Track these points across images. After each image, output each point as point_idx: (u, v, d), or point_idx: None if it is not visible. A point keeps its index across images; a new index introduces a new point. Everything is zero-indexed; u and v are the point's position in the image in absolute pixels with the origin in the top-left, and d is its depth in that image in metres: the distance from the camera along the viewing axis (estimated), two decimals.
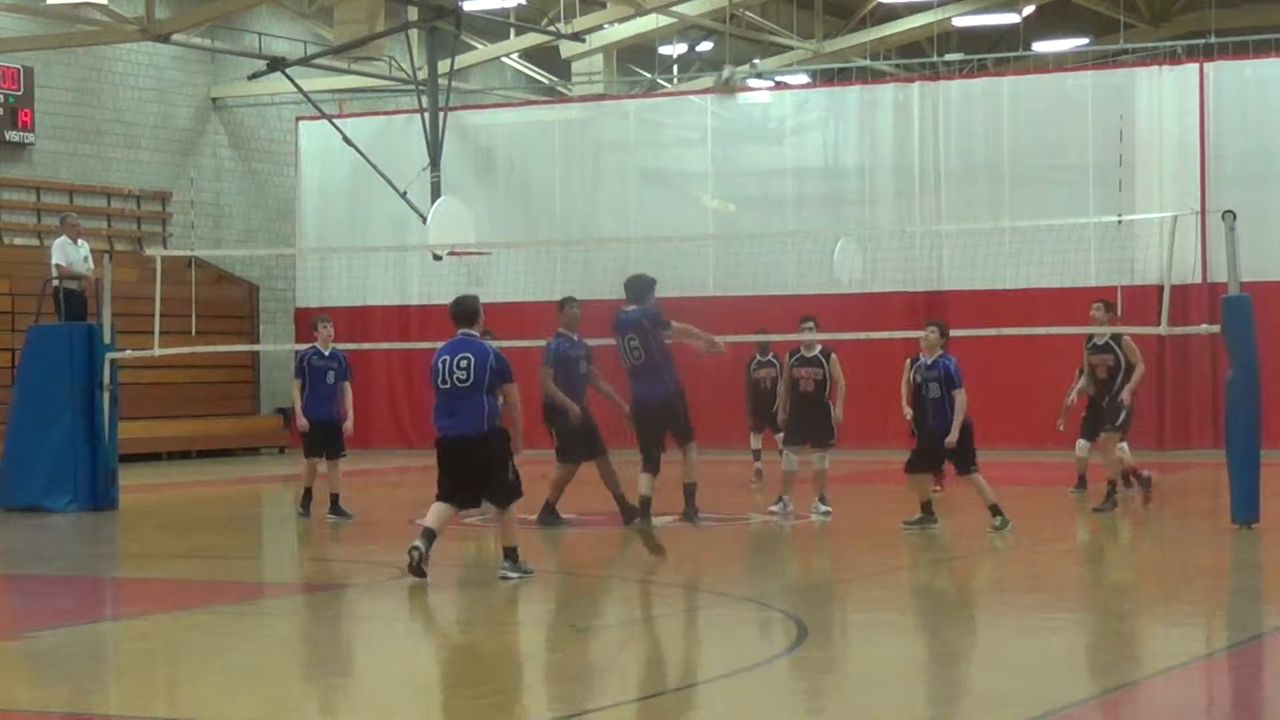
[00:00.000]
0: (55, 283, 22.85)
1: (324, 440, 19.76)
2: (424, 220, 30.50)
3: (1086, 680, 10.23)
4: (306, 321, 35.59)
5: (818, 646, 11.50)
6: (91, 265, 23.11)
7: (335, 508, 19.69)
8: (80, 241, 23.38)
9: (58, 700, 10.15)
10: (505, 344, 21.90)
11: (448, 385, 14.06)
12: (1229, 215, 18.13)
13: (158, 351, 22.56)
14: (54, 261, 23.04)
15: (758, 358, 23.40)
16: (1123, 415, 19.36)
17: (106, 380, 21.44)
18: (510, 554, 14.23)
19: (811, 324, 19.96)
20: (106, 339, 21.60)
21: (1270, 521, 17.40)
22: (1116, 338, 19.53)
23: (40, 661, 11.40)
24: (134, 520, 20.81)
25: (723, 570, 15.68)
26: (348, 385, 19.98)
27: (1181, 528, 19.70)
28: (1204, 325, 21.68)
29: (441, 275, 31.59)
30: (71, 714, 9.79)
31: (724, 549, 17.27)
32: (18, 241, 32.21)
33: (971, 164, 31.58)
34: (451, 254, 29.50)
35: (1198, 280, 29.19)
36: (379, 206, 33.27)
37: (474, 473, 14.13)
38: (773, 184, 32.62)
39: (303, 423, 19.74)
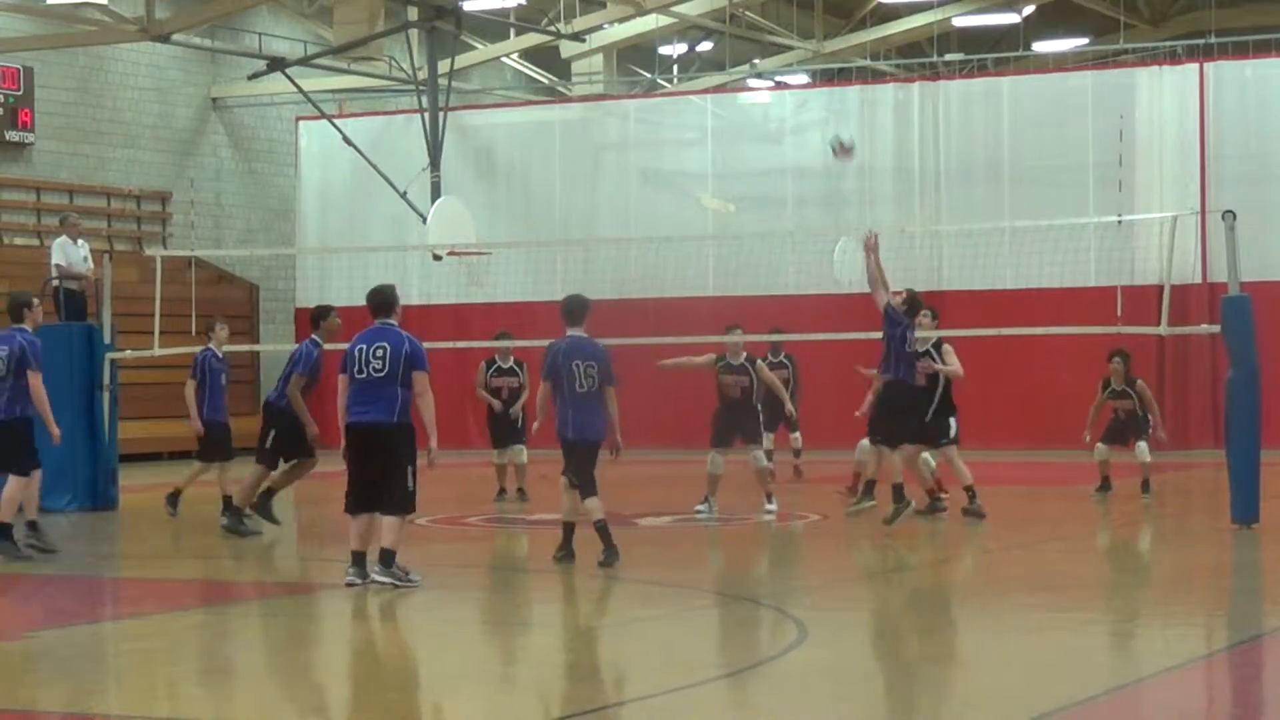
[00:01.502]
0: (55, 283, 22.85)
1: (223, 444, 19.42)
2: (424, 220, 30.49)
3: (1086, 680, 10.22)
4: (306, 321, 35.53)
5: (818, 646, 11.49)
6: (91, 265, 23.10)
7: (232, 512, 18.49)
8: (80, 241, 23.38)
9: (58, 700, 10.15)
10: (508, 344, 22.08)
11: (364, 375, 13.94)
12: (1229, 215, 18.11)
13: (158, 351, 22.54)
14: (54, 261, 23.05)
15: (769, 358, 23.35)
16: (954, 428, 18.87)
17: (106, 380, 21.44)
18: (387, 558, 13.95)
19: (739, 330, 19.98)
20: (106, 339, 21.61)
21: (1270, 521, 17.39)
22: (937, 345, 19.12)
23: (40, 661, 11.40)
24: (134, 520, 20.80)
25: (721, 570, 15.66)
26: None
27: (1181, 528, 19.70)
28: (1204, 325, 21.67)
29: (441, 275, 31.57)
30: (71, 714, 9.78)
31: (723, 549, 17.25)
32: (18, 241, 32.19)
33: (971, 164, 31.56)
34: (451, 254, 29.50)
35: (1198, 280, 29.18)
36: (379, 206, 33.25)
37: (379, 465, 13.93)
38: (772, 184, 32.60)
39: (198, 426, 19.19)
